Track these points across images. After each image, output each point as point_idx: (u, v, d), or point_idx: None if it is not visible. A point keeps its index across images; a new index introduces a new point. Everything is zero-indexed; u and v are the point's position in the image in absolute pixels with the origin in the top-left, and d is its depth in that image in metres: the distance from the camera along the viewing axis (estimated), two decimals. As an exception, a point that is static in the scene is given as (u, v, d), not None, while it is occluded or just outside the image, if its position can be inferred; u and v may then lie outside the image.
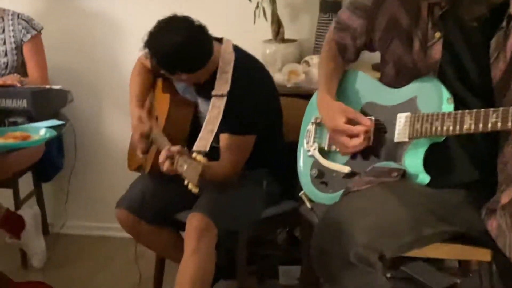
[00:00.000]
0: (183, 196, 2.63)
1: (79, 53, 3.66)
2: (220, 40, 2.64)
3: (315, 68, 3.01)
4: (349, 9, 2.18)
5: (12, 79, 3.10)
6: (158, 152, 2.52)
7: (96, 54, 3.65)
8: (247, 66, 2.64)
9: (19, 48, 3.32)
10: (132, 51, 3.45)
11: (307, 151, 2.22)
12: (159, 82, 2.87)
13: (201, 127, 2.48)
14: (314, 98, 2.30)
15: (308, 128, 2.25)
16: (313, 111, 2.26)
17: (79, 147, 3.38)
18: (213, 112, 2.48)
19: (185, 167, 2.23)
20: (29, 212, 3.39)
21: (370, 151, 2.01)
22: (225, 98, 2.49)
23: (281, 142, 2.75)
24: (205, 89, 2.60)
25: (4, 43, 3.32)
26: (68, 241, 3.67)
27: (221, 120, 2.44)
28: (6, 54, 3.31)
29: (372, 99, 2.09)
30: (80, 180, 3.69)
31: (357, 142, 1.98)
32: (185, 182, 2.23)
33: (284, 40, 3.26)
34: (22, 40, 3.33)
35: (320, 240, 1.83)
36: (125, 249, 3.47)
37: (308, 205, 2.15)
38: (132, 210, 2.69)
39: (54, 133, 2.63)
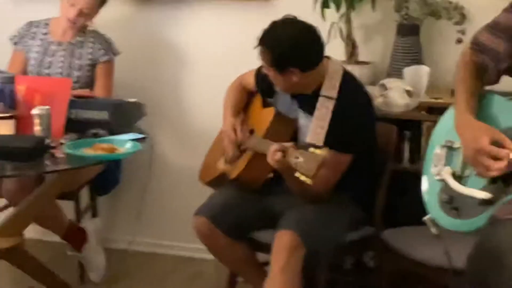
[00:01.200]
0: (263, 213, 2.71)
1: (146, 73, 3.68)
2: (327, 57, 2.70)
3: (391, 91, 3.06)
4: (489, 31, 2.15)
5: (85, 93, 3.13)
6: (253, 159, 2.61)
7: (162, 74, 3.68)
8: (355, 80, 2.70)
9: (94, 66, 3.33)
10: (192, 74, 3.60)
11: (435, 175, 2.18)
12: (257, 100, 2.92)
13: (300, 142, 2.50)
14: (445, 121, 2.27)
15: (436, 152, 2.22)
16: (441, 134, 2.24)
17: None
18: (321, 110, 2.54)
19: (301, 158, 2.25)
20: (91, 226, 3.39)
21: (510, 178, 1.97)
22: (333, 101, 2.53)
23: (371, 168, 2.74)
24: (308, 103, 2.62)
25: (81, 57, 3.33)
26: (129, 257, 3.63)
27: (326, 133, 2.48)
28: (80, 69, 3.31)
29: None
30: (150, 197, 3.63)
31: (502, 165, 1.94)
32: (297, 174, 2.24)
33: (358, 62, 3.25)
34: (98, 60, 3.33)
35: (478, 268, 1.81)
36: (183, 267, 3.45)
37: (434, 230, 2.11)
38: (211, 219, 2.67)
39: (139, 146, 2.65)
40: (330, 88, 2.58)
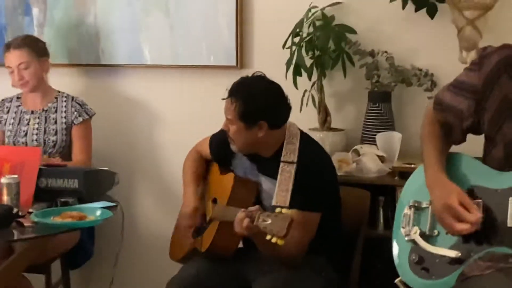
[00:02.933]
0: (235, 282, 2.67)
1: (118, 137, 3.72)
2: None
3: (364, 157, 3.08)
4: (451, 90, 2.18)
5: (56, 162, 3.15)
6: (220, 229, 2.59)
7: (133, 138, 3.72)
8: (313, 142, 2.74)
9: (69, 129, 3.38)
10: (167, 138, 3.63)
11: (405, 236, 2.17)
12: (214, 167, 2.91)
13: (264, 205, 2.50)
14: (413, 181, 2.28)
15: (404, 213, 2.22)
16: (409, 195, 2.25)
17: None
18: (284, 175, 2.55)
19: (269, 220, 2.26)
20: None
21: (479, 236, 1.98)
22: (294, 166, 2.55)
23: (339, 228, 2.74)
24: (268, 167, 2.63)
25: (55, 122, 3.38)
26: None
27: (290, 194, 2.48)
28: (56, 133, 3.36)
29: (479, 183, 2.07)
30: (123, 268, 3.58)
31: (464, 227, 1.96)
32: (268, 237, 2.24)
33: (331, 129, 3.28)
34: (73, 122, 3.38)
35: None
36: None
37: None
38: None
39: (110, 214, 2.63)
40: (290, 153, 2.60)
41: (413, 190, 2.24)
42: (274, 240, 2.23)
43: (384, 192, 3.03)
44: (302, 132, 2.71)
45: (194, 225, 2.78)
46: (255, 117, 2.57)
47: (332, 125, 3.29)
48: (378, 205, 3.05)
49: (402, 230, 2.20)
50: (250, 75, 2.66)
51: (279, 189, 2.53)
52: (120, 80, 3.69)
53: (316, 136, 3.21)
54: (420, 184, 2.17)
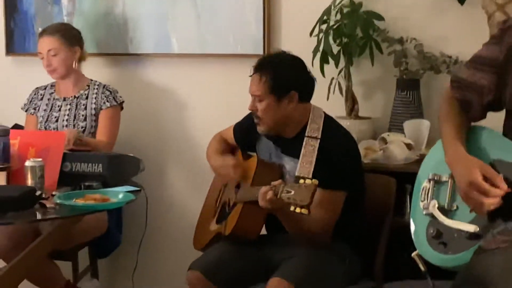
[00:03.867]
0: (260, 265, 2.68)
1: (146, 125, 3.74)
2: None
3: (392, 145, 3.06)
4: (469, 67, 2.14)
5: (72, 131, 3.17)
6: (244, 209, 2.61)
7: (161, 126, 3.73)
8: (337, 123, 2.78)
9: (97, 114, 3.41)
10: (193, 125, 3.64)
11: (423, 209, 2.14)
12: (237, 156, 2.93)
13: None
14: (433, 154, 2.26)
15: (423, 186, 2.20)
16: (428, 168, 2.22)
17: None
18: (307, 148, 2.59)
19: (292, 192, 2.27)
20: (89, 286, 3.34)
21: (499, 211, 1.94)
22: (318, 141, 2.58)
23: (364, 215, 2.73)
24: (292, 147, 2.65)
25: (85, 108, 3.41)
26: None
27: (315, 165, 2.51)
28: (85, 119, 3.39)
29: (501, 156, 2.03)
30: (147, 254, 3.63)
31: (492, 201, 1.91)
32: (291, 208, 2.25)
33: (358, 117, 3.26)
34: (101, 107, 3.41)
35: None
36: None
37: (422, 267, 2.08)
38: (206, 274, 2.64)
39: (132, 197, 2.65)
40: (314, 129, 2.64)
41: (432, 164, 2.21)
42: (298, 210, 2.24)
43: (411, 180, 2.89)
44: (326, 114, 2.74)
45: (235, 177, 2.78)
46: (286, 87, 2.61)
47: (360, 113, 3.28)
48: (405, 193, 3.00)
49: (421, 204, 2.18)
50: (274, 51, 2.75)
51: (303, 161, 2.56)
52: (148, 69, 3.71)
53: (343, 124, 3.14)
54: (440, 158, 2.14)
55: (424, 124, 3.09)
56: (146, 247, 3.45)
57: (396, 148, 3.03)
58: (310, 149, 2.58)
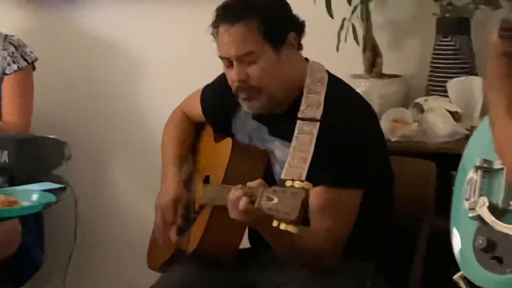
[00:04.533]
0: None
1: (76, 93, 3.77)
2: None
3: (431, 114, 3.10)
4: None
5: None
6: (213, 217, 2.61)
7: (98, 94, 3.76)
8: (347, 89, 2.72)
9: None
10: (145, 93, 3.67)
11: (468, 210, 2.16)
12: (207, 134, 2.94)
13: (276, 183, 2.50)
14: (480, 134, 2.28)
15: (469, 178, 2.21)
16: (475, 153, 2.25)
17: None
18: (300, 138, 2.54)
19: (275, 199, 2.23)
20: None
21: None
22: (317, 124, 2.53)
23: (391, 218, 2.73)
24: (283, 126, 2.63)
25: None
26: None
27: (310, 165, 2.47)
28: None
29: None
30: (79, 279, 3.66)
31: None
32: (275, 223, 2.21)
33: (382, 75, 3.31)
34: (4, 72, 3.40)
35: None
36: None
37: None
38: None
39: (52, 198, 2.61)
40: (311, 105, 2.60)
41: (481, 147, 2.22)
42: (283, 226, 2.19)
43: (457, 165, 2.99)
44: (330, 76, 2.69)
45: (174, 221, 2.79)
46: (284, 27, 2.60)
47: (384, 70, 3.31)
48: (450, 183, 2.94)
49: (465, 203, 2.19)
50: None
51: (293, 156, 2.51)
52: (81, 12, 3.72)
53: (361, 85, 3.26)
54: (491, 139, 2.15)
55: (477, 84, 3.10)
56: (77, 269, 3.44)
57: (438, 119, 3.06)
58: (304, 138, 2.54)
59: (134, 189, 3.75)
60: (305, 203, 2.19)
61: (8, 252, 3.29)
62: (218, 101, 2.83)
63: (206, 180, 2.82)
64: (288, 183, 2.24)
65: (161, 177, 2.90)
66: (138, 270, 3.13)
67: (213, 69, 2.82)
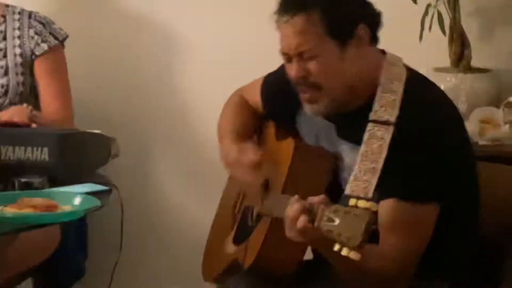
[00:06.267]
0: None
1: (116, 81, 3.73)
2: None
3: None
4: None
5: (20, 111, 3.17)
6: (272, 231, 2.58)
7: (141, 85, 3.76)
8: (427, 91, 2.62)
9: (27, 64, 3.39)
10: (194, 72, 3.72)
11: None
12: (269, 130, 2.91)
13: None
14: None
15: None
16: None
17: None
18: (370, 144, 2.48)
19: (337, 221, 2.18)
20: None
21: None
22: (390, 128, 2.45)
23: (475, 235, 2.64)
24: (353, 127, 2.57)
25: (5, 55, 3.39)
26: None
27: (380, 176, 2.44)
28: (6, 73, 3.39)
29: None
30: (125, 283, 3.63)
31: None
32: (336, 248, 2.17)
33: (471, 69, 3.30)
34: (33, 53, 3.38)
35: None
36: None
37: None
38: None
39: (97, 202, 2.55)
40: (387, 106, 2.53)
41: None
42: (345, 252, 2.15)
43: None
44: (411, 72, 2.61)
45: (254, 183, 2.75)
46: (351, 20, 2.50)
47: (473, 63, 3.30)
48: None
49: None
50: None
51: (361, 167, 2.46)
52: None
53: (446, 80, 3.27)
54: None
55: None
56: (123, 277, 3.40)
57: None
58: (375, 144, 2.47)
59: (185, 191, 3.75)
60: (369, 227, 2.15)
61: (44, 256, 3.24)
62: (281, 94, 2.76)
63: (266, 185, 2.76)
64: (352, 202, 2.19)
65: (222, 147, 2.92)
66: (191, 281, 3.13)
67: (268, 60, 2.76)
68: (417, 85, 2.59)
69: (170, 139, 3.74)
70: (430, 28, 3.21)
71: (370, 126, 2.50)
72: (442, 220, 2.50)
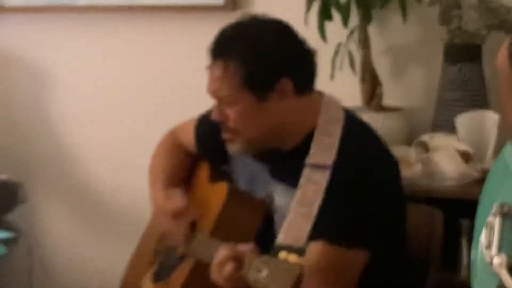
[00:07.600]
0: None
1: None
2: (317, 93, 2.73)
3: (437, 154, 3.12)
4: None
5: None
6: (194, 273, 2.58)
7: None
8: (366, 131, 2.66)
9: None
10: (62, 106, 3.75)
11: (488, 262, 2.07)
12: (202, 170, 2.92)
13: (276, 234, 2.49)
14: (499, 170, 2.22)
15: (488, 222, 2.11)
16: (495, 192, 2.17)
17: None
18: (307, 189, 2.48)
19: (265, 272, 2.19)
20: None
21: None
22: (327, 172, 2.47)
23: (404, 274, 2.68)
24: (287, 169, 2.58)
25: None
26: None
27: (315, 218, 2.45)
28: None
29: None
30: None
31: None
32: None
33: (382, 108, 3.31)
34: None
35: None
36: None
37: None
38: None
39: (1, 251, 2.62)
40: (322, 150, 2.54)
41: (500, 185, 2.15)
42: None
43: (469, 212, 2.79)
44: (348, 115, 2.63)
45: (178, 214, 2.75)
46: (271, 74, 2.52)
47: (385, 102, 3.32)
48: (460, 233, 3.02)
49: (484, 252, 2.09)
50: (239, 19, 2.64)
51: (295, 213, 2.47)
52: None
53: None
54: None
55: (490, 119, 3.11)
56: None
57: (445, 159, 3.06)
58: (311, 189, 2.48)
59: (80, 233, 3.75)
60: (298, 283, 2.15)
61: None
62: (214, 135, 2.74)
63: (193, 226, 2.76)
64: (282, 255, 2.20)
65: (151, 196, 2.92)
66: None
67: (136, 94, 3.03)
68: (354, 128, 2.62)
69: (67, 188, 3.73)
70: (341, 67, 3.25)
71: (307, 170, 2.52)
72: (369, 268, 2.51)
